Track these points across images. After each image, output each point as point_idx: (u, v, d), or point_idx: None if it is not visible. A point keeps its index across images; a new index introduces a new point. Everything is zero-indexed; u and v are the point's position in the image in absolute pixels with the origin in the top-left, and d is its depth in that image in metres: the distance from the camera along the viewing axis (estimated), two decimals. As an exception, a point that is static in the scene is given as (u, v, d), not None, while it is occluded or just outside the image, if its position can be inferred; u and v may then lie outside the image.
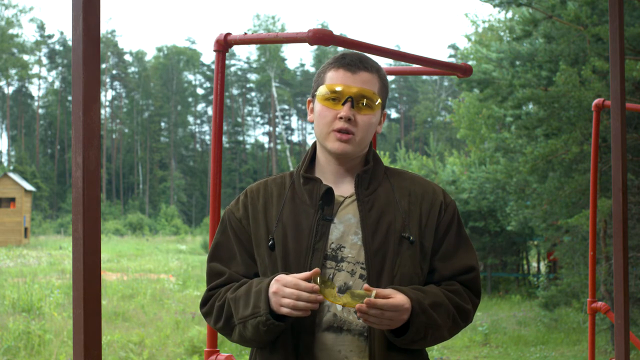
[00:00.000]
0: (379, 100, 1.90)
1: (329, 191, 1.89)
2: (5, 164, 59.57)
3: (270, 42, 2.39)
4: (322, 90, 1.90)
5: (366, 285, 1.72)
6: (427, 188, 1.95)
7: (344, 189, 1.93)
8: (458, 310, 1.87)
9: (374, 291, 1.71)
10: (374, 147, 2.85)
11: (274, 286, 1.75)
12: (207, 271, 1.95)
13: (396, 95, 71.76)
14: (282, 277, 1.75)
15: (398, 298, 1.74)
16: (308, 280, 1.73)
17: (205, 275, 2.90)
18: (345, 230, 1.87)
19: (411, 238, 1.85)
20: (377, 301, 1.70)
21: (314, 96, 1.95)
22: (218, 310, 1.88)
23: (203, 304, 1.94)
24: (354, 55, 1.92)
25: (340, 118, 1.86)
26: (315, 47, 14.79)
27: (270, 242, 1.86)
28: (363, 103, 1.88)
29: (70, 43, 50.12)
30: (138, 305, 12.78)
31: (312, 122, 1.98)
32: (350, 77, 1.88)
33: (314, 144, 2.00)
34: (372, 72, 1.91)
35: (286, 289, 1.72)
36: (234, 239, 1.93)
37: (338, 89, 1.87)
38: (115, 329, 10.47)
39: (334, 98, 1.88)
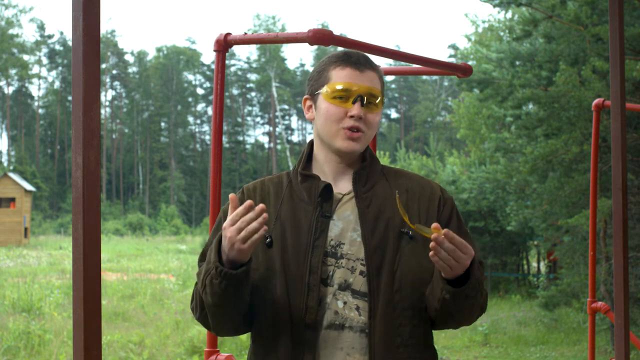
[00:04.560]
0: (382, 100, 1.92)
1: (328, 188, 1.88)
2: (5, 164, 59.57)
3: (270, 42, 2.39)
4: (328, 88, 1.89)
5: (436, 224, 1.68)
6: (424, 184, 1.96)
7: (342, 186, 1.93)
8: (482, 289, 1.87)
9: (443, 231, 1.67)
10: (374, 146, 2.87)
11: (225, 236, 1.71)
12: (197, 272, 1.93)
13: (396, 95, 71.74)
14: (224, 224, 1.71)
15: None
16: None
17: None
18: (344, 227, 1.87)
19: (410, 233, 1.85)
20: (456, 237, 1.68)
21: (313, 94, 1.94)
22: (196, 296, 1.87)
23: (191, 301, 1.93)
24: (359, 54, 1.93)
25: (352, 117, 1.86)
26: (315, 47, 14.80)
27: (268, 240, 1.84)
28: (371, 102, 1.88)
29: (70, 43, 50.11)
30: (138, 305, 12.79)
31: (310, 120, 1.98)
32: (359, 75, 1.88)
33: (311, 142, 2.00)
34: (375, 71, 1.92)
35: (232, 227, 1.69)
36: None
37: (347, 87, 1.87)
38: (115, 329, 10.47)
39: (342, 96, 1.87)
